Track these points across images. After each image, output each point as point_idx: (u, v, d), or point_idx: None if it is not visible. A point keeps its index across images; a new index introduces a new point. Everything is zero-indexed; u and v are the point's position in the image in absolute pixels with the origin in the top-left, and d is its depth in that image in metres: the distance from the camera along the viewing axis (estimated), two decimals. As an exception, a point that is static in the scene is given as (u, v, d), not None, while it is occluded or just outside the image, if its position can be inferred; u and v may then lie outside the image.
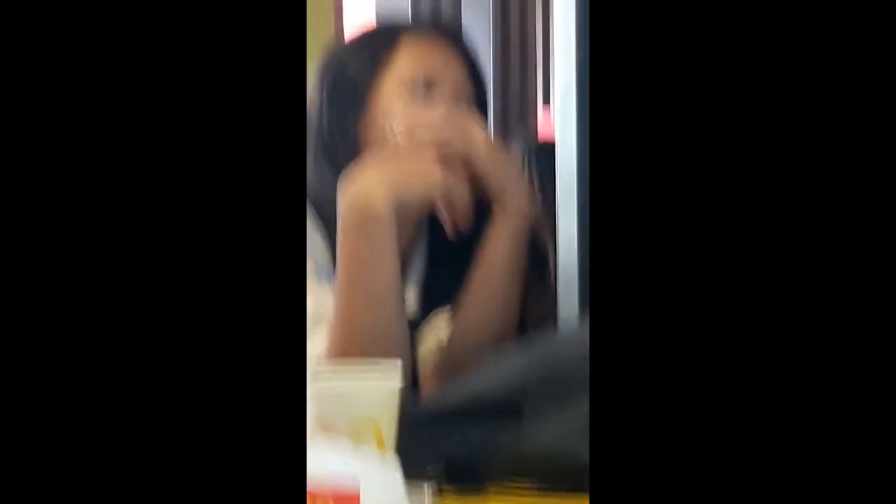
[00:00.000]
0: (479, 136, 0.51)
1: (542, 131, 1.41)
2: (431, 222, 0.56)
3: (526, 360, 0.44)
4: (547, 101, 1.30)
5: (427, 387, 0.54)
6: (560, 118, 0.54)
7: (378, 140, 0.53)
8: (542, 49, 1.60)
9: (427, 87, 0.55)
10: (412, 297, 0.58)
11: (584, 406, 0.32)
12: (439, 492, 0.37)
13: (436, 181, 0.48)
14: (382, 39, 0.58)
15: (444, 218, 0.50)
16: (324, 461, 0.31)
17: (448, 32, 0.62)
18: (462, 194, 0.49)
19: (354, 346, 0.47)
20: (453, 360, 0.53)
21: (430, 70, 0.56)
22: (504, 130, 1.53)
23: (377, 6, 1.89)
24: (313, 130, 0.56)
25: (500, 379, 0.44)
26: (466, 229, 0.51)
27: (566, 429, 0.39)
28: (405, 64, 0.55)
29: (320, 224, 0.53)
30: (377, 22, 0.75)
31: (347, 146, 0.55)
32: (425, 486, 0.36)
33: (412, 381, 0.50)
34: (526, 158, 0.78)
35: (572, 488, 0.37)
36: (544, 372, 0.42)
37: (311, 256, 0.51)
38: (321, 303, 0.49)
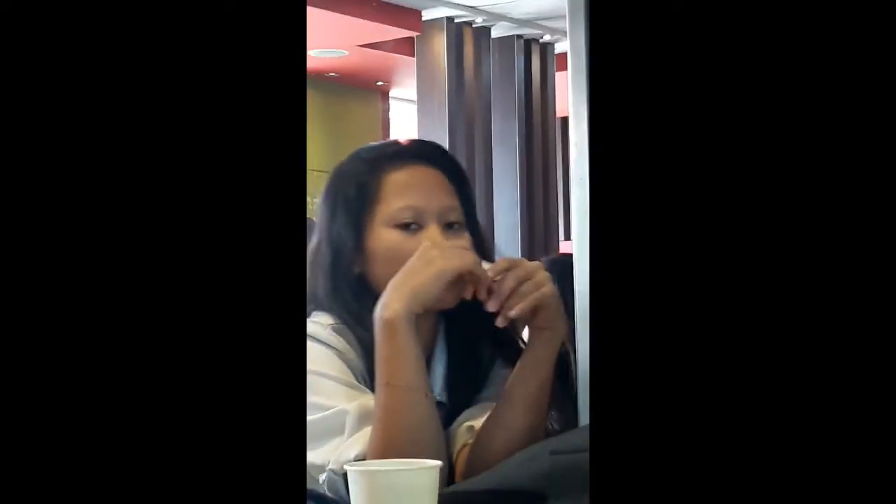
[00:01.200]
0: (472, 260, 0.59)
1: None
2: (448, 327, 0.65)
3: (547, 458, 0.47)
4: (568, 237, 1.30)
5: (459, 479, 0.59)
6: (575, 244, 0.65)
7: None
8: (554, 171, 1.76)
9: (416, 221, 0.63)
10: (439, 386, 0.64)
11: None
12: None
13: (436, 291, 0.57)
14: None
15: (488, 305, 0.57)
16: None
17: (443, 160, 0.70)
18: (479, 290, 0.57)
19: (393, 448, 0.53)
20: (483, 456, 0.58)
21: (423, 200, 0.64)
22: (532, 256, 1.71)
23: (418, 130, 2.34)
24: None
25: (525, 473, 0.47)
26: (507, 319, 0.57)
27: None
28: (401, 192, 0.63)
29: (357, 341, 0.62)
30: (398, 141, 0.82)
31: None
32: None
33: (449, 474, 0.54)
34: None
35: None
36: (566, 466, 0.44)
37: (354, 372, 0.60)
38: (367, 408, 0.57)
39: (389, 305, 0.56)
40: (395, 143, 0.73)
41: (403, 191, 0.63)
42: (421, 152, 0.68)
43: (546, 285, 0.58)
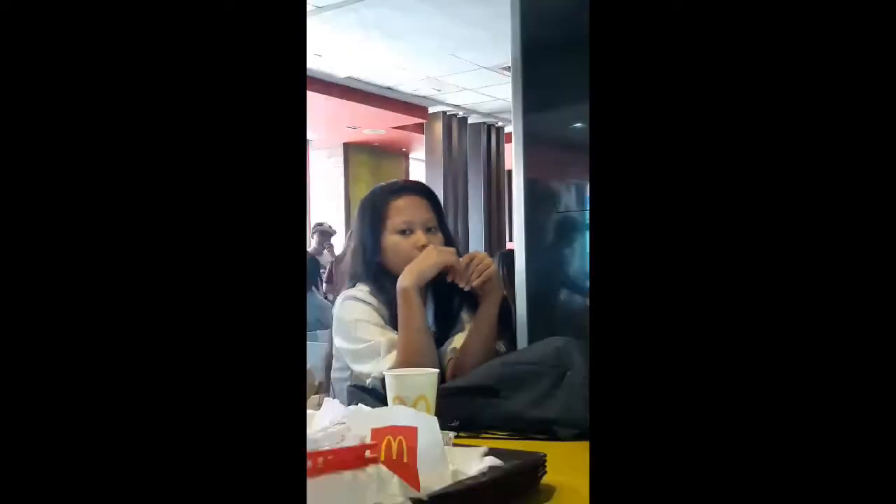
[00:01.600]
0: (453, 255, 0.99)
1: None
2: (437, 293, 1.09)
3: (498, 369, 0.90)
4: (511, 239, 2.17)
5: (448, 379, 1.00)
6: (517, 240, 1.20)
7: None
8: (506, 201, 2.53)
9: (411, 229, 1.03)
10: (430, 323, 1.08)
11: (532, 391, 0.77)
12: (456, 435, 0.70)
13: (431, 274, 0.97)
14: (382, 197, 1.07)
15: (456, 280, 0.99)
16: (399, 418, 0.58)
17: (425, 192, 1.10)
18: (456, 273, 0.98)
19: (410, 362, 0.92)
20: (461, 366, 1.02)
21: (415, 216, 1.03)
22: (490, 251, 3.26)
23: (425, 178, 3.94)
24: None
25: (486, 376, 0.89)
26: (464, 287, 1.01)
27: (521, 404, 0.81)
28: (399, 212, 1.05)
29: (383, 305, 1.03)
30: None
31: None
32: (449, 431, 0.67)
33: (441, 377, 0.91)
34: (499, 261, 1.44)
35: (526, 437, 0.77)
36: (512, 372, 0.85)
37: (383, 319, 1.00)
38: (392, 340, 0.98)
39: (404, 280, 0.95)
40: (396, 182, 1.15)
41: (401, 211, 1.02)
42: (411, 187, 1.10)
43: (491, 267, 0.97)
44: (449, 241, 1.05)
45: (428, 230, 1.02)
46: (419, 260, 0.95)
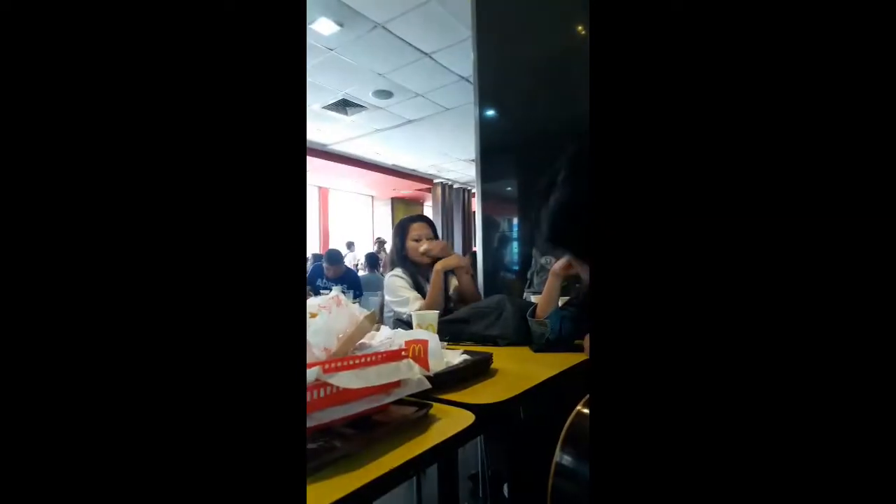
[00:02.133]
0: (455, 255, 1.57)
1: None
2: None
3: (468, 309, 1.38)
4: (475, 245, 2.60)
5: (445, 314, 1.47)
6: (479, 248, 1.89)
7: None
8: (473, 228, 3.15)
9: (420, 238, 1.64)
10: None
11: (486, 321, 1.35)
12: (448, 344, 1.19)
13: (451, 265, 1.52)
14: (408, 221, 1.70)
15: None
16: (419, 335, 0.96)
17: (428, 221, 1.72)
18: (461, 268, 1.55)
19: (429, 307, 1.42)
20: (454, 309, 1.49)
21: (422, 232, 1.66)
22: (465, 251, 4.25)
23: (432, 216, 5.54)
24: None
25: (463, 313, 1.37)
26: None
27: (480, 327, 1.33)
28: (414, 230, 1.66)
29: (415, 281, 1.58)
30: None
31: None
32: (443, 342, 1.11)
33: (444, 313, 1.41)
34: (471, 256, 2.16)
35: (482, 345, 1.29)
36: (476, 311, 1.36)
37: (409, 285, 1.55)
38: (416, 296, 1.51)
39: (438, 266, 1.58)
40: (413, 216, 1.72)
41: (416, 230, 1.69)
42: (421, 218, 1.70)
43: (468, 262, 1.59)
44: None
45: (428, 238, 1.72)
46: (449, 259, 1.62)
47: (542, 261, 1.78)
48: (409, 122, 4.97)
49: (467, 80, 3.52)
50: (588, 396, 0.46)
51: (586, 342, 1.21)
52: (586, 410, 0.45)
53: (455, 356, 1.01)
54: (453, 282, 1.69)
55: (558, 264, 1.29)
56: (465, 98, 2.73)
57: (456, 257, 1.65)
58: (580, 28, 1.96)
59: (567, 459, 0.42)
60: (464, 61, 2.92)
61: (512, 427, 1.31)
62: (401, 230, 1.74)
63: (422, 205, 9.29)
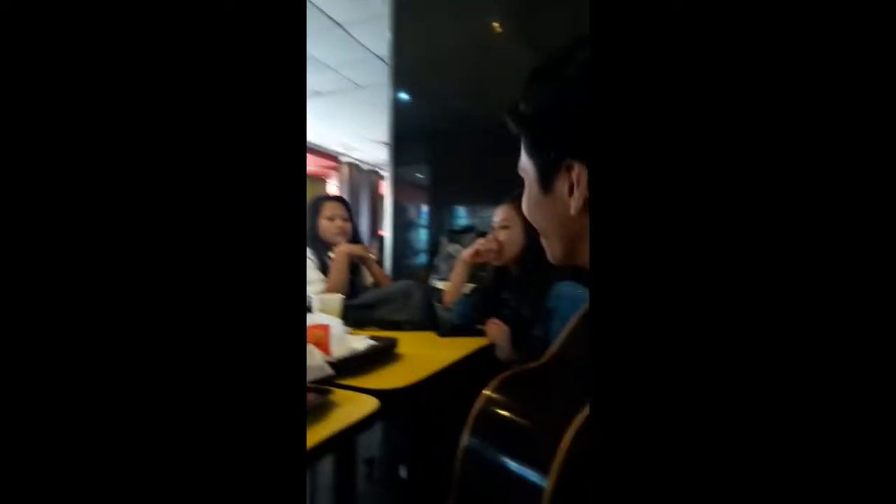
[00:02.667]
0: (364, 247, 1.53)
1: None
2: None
3: (374, 294, 1.40)
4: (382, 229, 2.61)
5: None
6: (388, 234, 1.89)
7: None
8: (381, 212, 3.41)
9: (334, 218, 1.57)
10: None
11: (391, 306, 1.36)
12: (352, 328, 1.15)
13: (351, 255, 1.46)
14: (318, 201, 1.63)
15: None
16: (320, 319, 0.99)
17: (343, 202, 1.64)
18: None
19: (332, 291, 1.34)
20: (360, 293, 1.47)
21: (336, 212, 1.55)
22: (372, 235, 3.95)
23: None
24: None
25: (368, 298, 1.37)
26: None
27: (386, 312, 1.35)
28: (328, 209, 1.57)
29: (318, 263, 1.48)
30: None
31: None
32: (348, 327, 1.10)
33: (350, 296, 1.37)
34: (379, 241, 2.22)
35: (387, 330, 1.29)
36: (382, 296, 1.37)
37: (317, 267, 1.45)
38: (321, 277, 1.43)
39: (341, 252, 1.55)
40: (329, 195, 1.65)
41: (330, 209, 1.63)
42: (337, 198, 1.62)
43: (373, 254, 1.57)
44: (354, 227, 1.71)
45: (344, 220, 1.65)
46: (354, 246, 1.59)
47: (450, 248, 1.81)
48: (317, 94, 4.77)
49: (382, 60, 3.43)
50: (496, 380, 0.48)
51: (488, 328, 1.27)
52: (494, 394, 0.46)
53: (359, 341, 1.02)
54: (368, 276, 1.67)
55: (467, 252, 1.33)
56: (379, 78, 2.67)
57: (361, 246, 1.62)
58: (496, 24, 2.02)
59: (475, 443, 0.43)
60: (379, 39, 2.83)
61: (412, 410, 1.33)
62: (314, 208, 1.64)
63: (325, 183, 8.69)
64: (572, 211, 0.42)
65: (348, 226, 1.67)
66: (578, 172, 0.41)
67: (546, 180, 0.43)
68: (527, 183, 0.47)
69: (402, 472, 1.58)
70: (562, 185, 0.42)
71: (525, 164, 0.46)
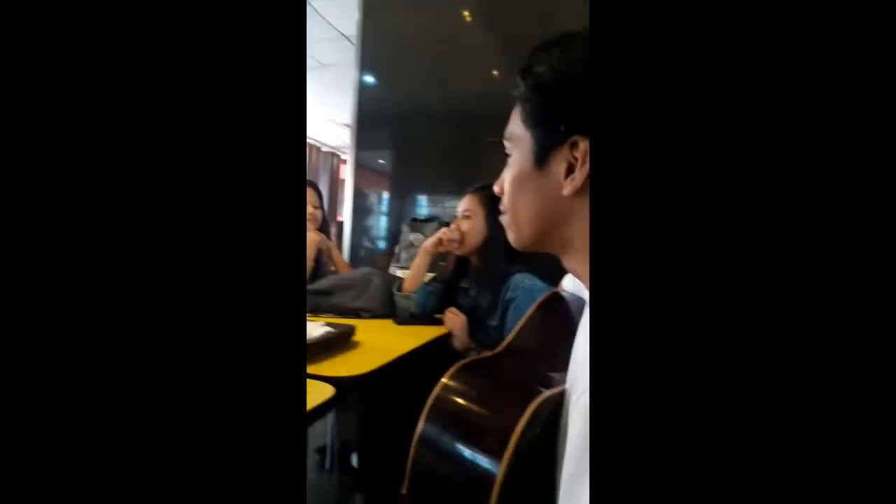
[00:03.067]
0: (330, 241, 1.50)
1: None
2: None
3: (332, 280, 1.37)
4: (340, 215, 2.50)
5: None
6: (347, 219, 1.86)
7: None
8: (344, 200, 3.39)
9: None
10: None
11: (350, 293, 1.33)
12: (307, 316, 1.16)
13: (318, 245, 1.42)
14: None
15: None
16: None
17: (315, 188, 1.57)
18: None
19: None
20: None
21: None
22: (331, 220, 3.86)
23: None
24: None
25: (326, 284, 1.34)
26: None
27: (343, 299, 1.32)
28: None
29: None
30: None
31: None
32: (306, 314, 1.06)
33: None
34: (336, 229, 2.24)
35: (345, 317, 1.25)
36: (340, 283, 1.34)
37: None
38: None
39: (311, 241, 1.45)
40: None
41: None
42: (308, 183, 1.53)
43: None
44: (324, 215, 1.68)
45: (316, 208, 1.61)
46: (322, 238, 1.55)
47: (412, 237, 1.80)
48: (279, 69, 4.74)
49: (348, 39, 3.34)
50: (453, 368, 0.48)
51: (446, 317, 1.27)
52: (451, 382, 0.47)
53: (316, 328, 0.99)
54: (331, 265, 1.64)
55: (429, 241, 1.32)
56: (345, 58, 2.59)
57: (328, 242, 1.60)
58: (466, 13, 2.00)
59: (430, 430, 0.44)
60: (347, 18, 2.76)
61: (365, 397, 1.33)
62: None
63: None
64: (566, 191, 0.39)
65: (318, 213, 1.60)
66: (584, 150, 0.38)
67: (543, 154, 0.40)
68: (515, 155, 0.43)
69: (354, 461, 1.57)
70: (559, 162, 0.39)
71: (518, 133, 0.42)
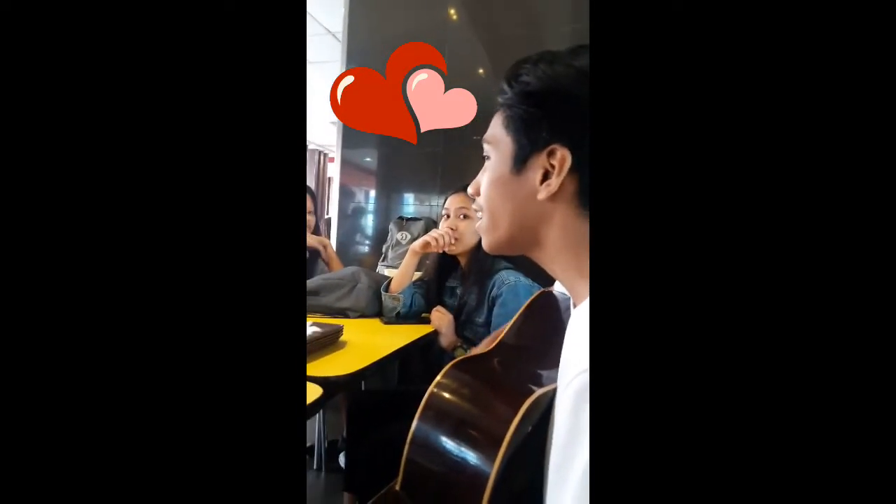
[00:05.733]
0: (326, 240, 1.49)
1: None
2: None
3: (319, 280, 1.33)
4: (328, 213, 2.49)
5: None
6: (334, 217, 1.80)
7: None
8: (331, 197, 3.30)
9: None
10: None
11: (337, 293, 1.32)
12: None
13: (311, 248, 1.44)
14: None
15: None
16: None
17: (310, 192, 1.53)
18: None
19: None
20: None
21: None
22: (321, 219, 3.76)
23: None
24: None
25: (314, 285, 1.32)
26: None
27: (332, 299, 1.30)
28: None
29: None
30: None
31: None
32: None
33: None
34: (325, 224, 2.18)
35: (333, 317, 1.26)
36: (327, 283, 1.32)
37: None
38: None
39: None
40: None
41: None
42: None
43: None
44: (317, 219, 1.71)
45: (310, 213, 1.61)
46: (316, 240, 1.59)
47: (399, 236, 1.80)
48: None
49: (335, 37, 3.32)
50: (448, 367, 0.48)
51: (433, 315, 1.27)
52: (445, 381, 0.47)
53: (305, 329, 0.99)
54: (323, 266, 1.63)
55: (418, 243, 1.32)
56: (331, 55, 2.57)
57: (320, 239, 1.61)
58: (452, 12, 2.00)
59: (423, 429, 0.44)
60: (334, 16, 2.73)
61: (353, 397, 1.32)
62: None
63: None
64: (541, 195, 0.41)
65: (312, 219, 1.60)
66: (562, 157, 0.40)
67: (522, 159, 0.42)
68: (494, 158, 0.44)
69: (341, 461, 1.56)
70: (536, 169, 0.41)
71: (499, 137, 0.44)
